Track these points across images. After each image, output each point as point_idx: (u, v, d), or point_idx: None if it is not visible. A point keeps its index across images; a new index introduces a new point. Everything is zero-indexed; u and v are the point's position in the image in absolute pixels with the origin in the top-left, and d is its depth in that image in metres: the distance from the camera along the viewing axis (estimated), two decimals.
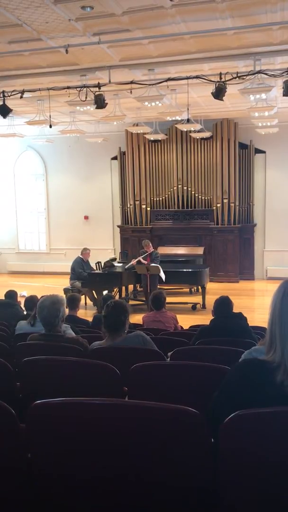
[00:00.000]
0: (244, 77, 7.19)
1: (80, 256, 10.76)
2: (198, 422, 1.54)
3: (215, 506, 1.58)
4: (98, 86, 7.74)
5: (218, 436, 1.53)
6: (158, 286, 9.75)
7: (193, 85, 8.16)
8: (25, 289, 10.97)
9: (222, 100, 7.53)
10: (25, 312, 6.05)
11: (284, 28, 6.27)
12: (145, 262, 9.94)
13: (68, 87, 8.11)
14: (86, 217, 14.84)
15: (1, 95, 8.43)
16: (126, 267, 10.37)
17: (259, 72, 7.14)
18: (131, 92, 8.24)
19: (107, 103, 7.92)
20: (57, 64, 7.65)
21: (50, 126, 9.39)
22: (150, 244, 10.26)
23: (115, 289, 10.58)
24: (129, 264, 10.29)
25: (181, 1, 5.47)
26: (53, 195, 15.14)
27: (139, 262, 10.01)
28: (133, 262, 10.16)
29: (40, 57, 7.38)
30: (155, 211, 13.80)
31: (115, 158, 14.31)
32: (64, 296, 7.08)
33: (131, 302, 10.37)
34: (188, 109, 8.67)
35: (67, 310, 4.38)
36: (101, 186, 14.60)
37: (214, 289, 11.26)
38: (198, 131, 11.41)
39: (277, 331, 1.68)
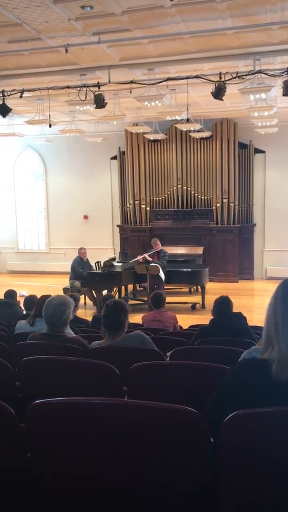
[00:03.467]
0: (244, 76, 7.18)
1: (79, 255, 10.79)
2: (197, 422, 1.54)
3: (215, 505, 1.58)
4: (98, 85, 7.73)
5: (218, 436, 1.53)
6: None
7: (193, 85, 8.16)
8: (24, 288, 10.96)
9: (221, 100, 7.53)
10: (24, 312, 6.05)
11: (284, 28, 6.27)
12: (151, 259, 9.92)
13: (68, 87, 8.11)
14: (85, 217, 14.83)
15: (1, 95, 8.42)
16: (130, 261, 10.34)
17: (259, 72, 7.13)
18: (130, 91, 8.23)
19: (106, 103, 7.91)
20: (56, 64, 7.64)
21: (50, 126, 9.39)
22: (159, 242, 10.23)
23: (114, 289, 10.58)
24: (135, 259, 10.21)
25: (180, 0, 5.47)
26: (52, 194, 15.14)
27: (145, 258, 9.97)
28: (139, 258, 10.11)
29: (39, 57, 7.38)
30: (154, 210, 13.80)
31: (114, 157, 14.31)
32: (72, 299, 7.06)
33: (131, 302, 10.37)
34: (187, 108, 8.66)
35: None
36: (100, 186, 14.60)
37: (214, 289, 11.26)
38: (198, 131, 11.40)
39: (273, 329, 1.68)
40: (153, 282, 9.64)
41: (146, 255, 10.06)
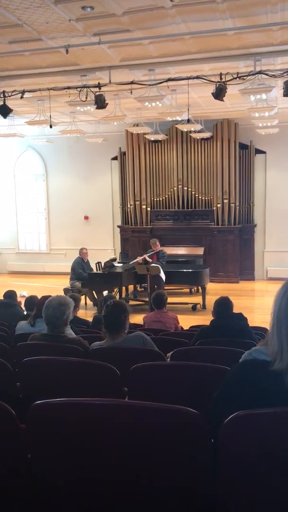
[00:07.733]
0: (245, 77, 7.19)
1: (80, 256, 10.79)
2: (198, 423, 1.54)
3: (215, 506, 1.58)
4: (99, 86, 7.74)
5: (218, 437, 1.52)
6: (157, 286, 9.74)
7: (193, 86, 8.16)
8: (25, 289, 10.96)
9: (222, 100, 7.53)
10: (25, 312, 6.05)
11: (284, 29, 6.27)
12: (150, 260, 9.94)
13: (69, 87, 8.12)
14: (86, 217, 14.84)
15: (2, 95, 8.43)
16: (130, 263, 10.36)
17: (260, 72, 7.14)
18: (131, 92, 8.24)
19: (107, 103, 7.92)
20: (57, 64, 7.65)
21: (51, 126, 9.40)
22: (158, 243, 10.27)
23: (115, 290, 10.57)
24: (134, 260, 10.26)
25: (181, 1, 5.47)
26: (53, 195, 15.15)
27: (144, 260, 10.00)
28: (139, 259, 10.14)
29: (40, 57, 7.38)
30: (155, 211, 13.80)
31: (115, 158, 14.31)
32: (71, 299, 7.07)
33: (132, 302, 10.37)
34: (188, 109, 8.67)
35: None
36: (101, 186, 14.60)
37: (214, 290, 11.26)
38: (198, 132, 11.41)
39: (285, 337, 1.64)
40: (153, 283, 9.66)
41: (145, 256, 10.09)
